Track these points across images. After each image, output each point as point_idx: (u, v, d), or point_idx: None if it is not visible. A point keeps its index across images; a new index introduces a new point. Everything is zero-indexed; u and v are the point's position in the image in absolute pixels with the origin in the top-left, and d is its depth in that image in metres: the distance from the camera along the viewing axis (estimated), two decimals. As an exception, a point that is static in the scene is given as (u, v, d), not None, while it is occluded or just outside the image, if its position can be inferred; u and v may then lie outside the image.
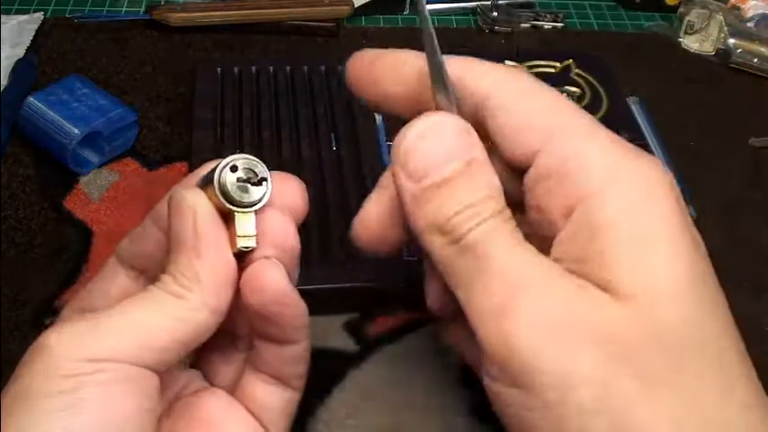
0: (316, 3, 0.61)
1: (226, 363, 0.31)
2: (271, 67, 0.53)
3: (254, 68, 0.53)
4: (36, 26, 0.59)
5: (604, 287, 0.23)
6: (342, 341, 0.41)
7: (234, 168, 0.26)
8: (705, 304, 0.24)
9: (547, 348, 0.22)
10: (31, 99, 0.48)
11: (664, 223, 0.24)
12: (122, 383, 0.24)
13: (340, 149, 0.48)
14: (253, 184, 0.26)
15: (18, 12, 0.61)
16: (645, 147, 0.49)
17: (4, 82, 0.52)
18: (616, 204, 0.24)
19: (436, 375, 0.40)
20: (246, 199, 0.26)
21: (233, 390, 0.30)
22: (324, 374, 0.40)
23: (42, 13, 0.61)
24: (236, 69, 0.53)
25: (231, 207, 0.26)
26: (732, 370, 0.24)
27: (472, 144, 0.26)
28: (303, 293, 0.41)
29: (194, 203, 0.26)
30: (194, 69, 0.53)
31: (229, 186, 0.26)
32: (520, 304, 0.23)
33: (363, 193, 0.45)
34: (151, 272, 0.30)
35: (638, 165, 0.25)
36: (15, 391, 0.24)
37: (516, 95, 0.27)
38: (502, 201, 0.25)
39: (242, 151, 0.43)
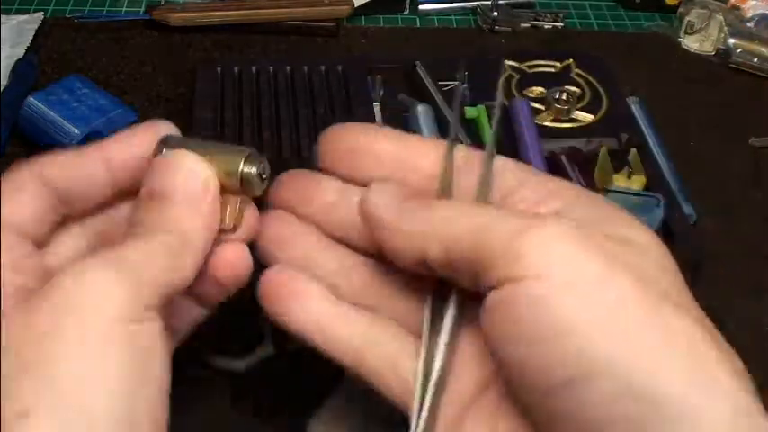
0: (316, 3, 0.61)
1: None
2: (271, 67, 0.53)
3: (254, 68, 0.53)
4: (36, 26, 0.59)
5: None
6: (342, 341, 0.41)
7: (254, 163, 0.29)
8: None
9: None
10: (31, 99, 0.48)
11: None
12: (158, 330, 0.25)
13: (340, 149, 0.48)
14: (262, 179, 0.30)
15: (18, 12, 0.61)
16: (645, 147, 0.50)
17: (4, 82, 0.52)
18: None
19: (436, 375, 0.40)
20: (257, 192, 0.29)
21: None
22: (324, 374, 0.40)
23: (42, 13, 0.61)
24: (236, 69, 0.53)
25: (242, 194, 0.29)
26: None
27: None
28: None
29: (207, 175, 0.28)
30: (194, 69, 0.53)
31: (252, 179, 0.29)
32: (540, 224, 0.24)
33: (363, 193, 0.45)
34: (77, 205, 0.29)
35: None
36: (70, 334, 0.23)
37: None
38: None
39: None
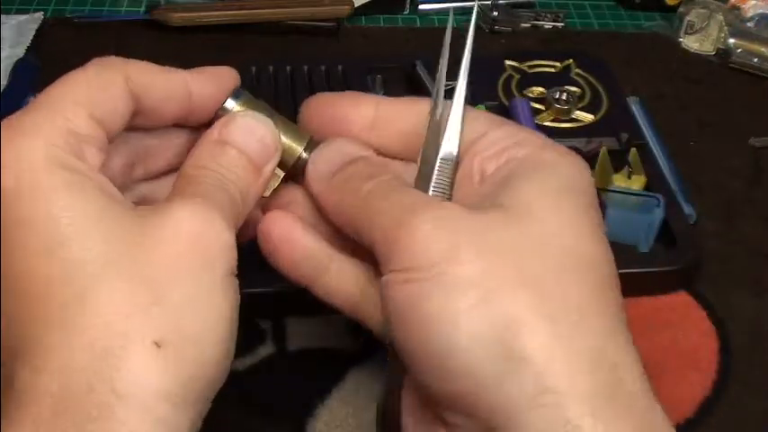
0: (316, 3, 0.61)
1: None
2: (271, 67, 0.53)
3: (254, 68, 0.53)
4: (36, 26, 0.59)
5: (487, 204, 0.27)
6: (342, 341, 0.41)
7: (311, 149, 0.31)
8: (580, 228, 0.26)
9: (432, 234, 0.25)
10: (31, 99, 0.48)
11: (561, 184, 0.27)
12: None
13: (340, 149, 0.48)
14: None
15: (18, 12, 0.61)
16: (645, 147, 0.50)
17: (4, 82, 0.52)
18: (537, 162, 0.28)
19: (436, 375, 0.40)
20: (300, 175, 0.31)
21: None
22: (324, 374, 0.40)
23: (42, 13, 0.61)
24: (236, 69, 0.52)
25: (287, 171, 0.31)
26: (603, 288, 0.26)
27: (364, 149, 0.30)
28: (304, 293, 0.41)
29: (278, 148, 0.30)
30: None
31: (305, 165, 0.31)
32: (410, 216, 0.26)
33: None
34: (145, 120, 0.29)
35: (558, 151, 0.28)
36: (196, 266, 0.25)
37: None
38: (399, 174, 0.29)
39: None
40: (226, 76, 0.31)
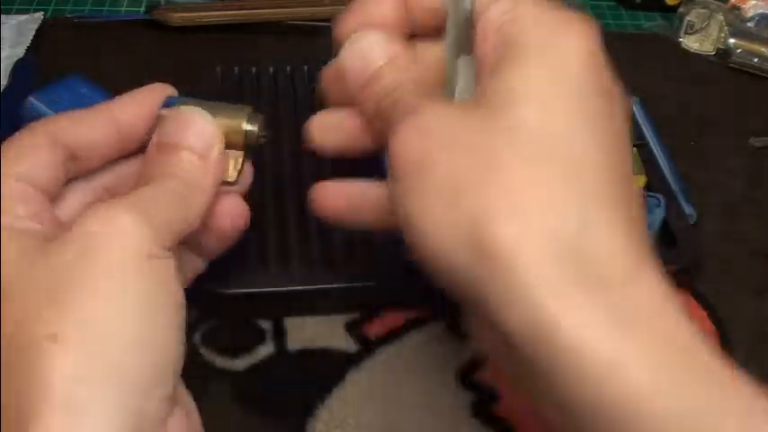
0: (316, 3, 0.61)
1: None
2: (271, 68, 0.53)
3: (254, 68, 0.53)
4: (36, 26, 0.59)
5: (477, 97, 0.28)
6: (342, 341, 0.41)
7: (255, 121, 0.32)
8: (571, 118, 0.26)
9: (411, 143, 0.27)
10: (31, 99, 0.48)
11: (569, 53, 0.27)
12: (176, 269, 0.27)
13: (340, 149, 0.48)
14: (261, 136, 0.33)
15: (18, 12, 0.61)
16: (645, 147, 0.50)
17: (4, 82, 0.52)
18: (529, 39, 0.27)
19: (436, 375, 0.40)
20: (256, 147, 0.33)
21: None
22: (324, 374, 0.40)
23: (42, 13, 0.61)
24: (236, 69, 0.53)
25: (242, 149, 0.32)
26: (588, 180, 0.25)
27: (388, 45, 0.31)
28: (304, 293, 0.41)
29: (215, 130, 0.31)
30: (194, 69, 0.53)
31: (253, 135, 0.32)
32: (403, 123, 0.27)
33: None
34: (87, 162, 0.32)
35: (564, 14, 0.28)
36: (91, 269, 0.25)
37: None
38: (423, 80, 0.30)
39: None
40: (149, 94, 0.32)
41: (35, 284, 0.25)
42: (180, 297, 0.27)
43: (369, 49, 0.31)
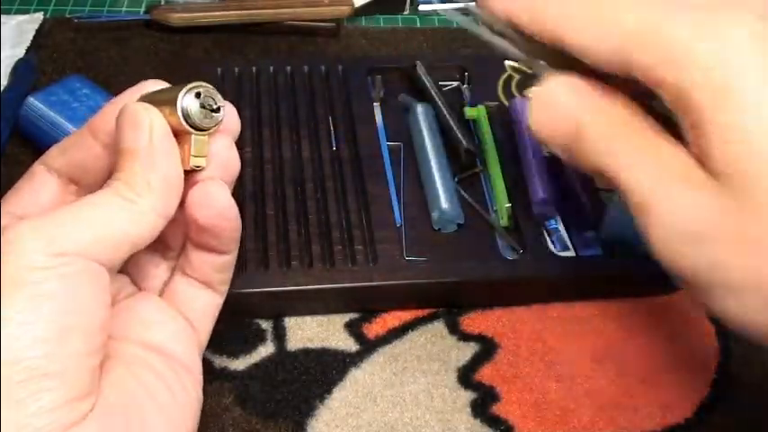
0: (316, 3, 0.61)
1: (155, 268, 0.34)
2: (271, 67, 0.53)
3: (254, 68, 0.53)
4: (36, 26, 0.59)
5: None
6: (342, 341, 0.41)
7: (198, 95, 0.29)
8: None
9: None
10: (31, 99, 0.48)
11: None
12: (84, 277, 0.26)
13: (340, 149, 0.48)
14: (211, 110, 0.29)
15: (18, 12, 0.61)
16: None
17: (4, 82, 0.52)
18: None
19: (436, 375, 0.40)
20: (206, 124, 0.29)
21: (161, 294, 0.33)
22: (324, 374, 0.40)
23: (42, 13, 0.61)
24: (236, 69, 0.53)
25: (190, 129, 0.29)
26: None
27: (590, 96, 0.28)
28: (304, 293, 0.41)
29: (151, 118, 0.29)
30: (194, 69, 0.53)
31: (193, 111, 0.29)
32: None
33: (363, 192, 0.45)
34: (83, 181, 0.32)
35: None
36: None
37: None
38: (631, 121, 0.27)
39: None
40: (124, 97, 0.32)
41: None
42: (90, 308, 0.26)
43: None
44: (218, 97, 0.30)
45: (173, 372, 0.31)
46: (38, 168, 0.32)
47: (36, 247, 0.26)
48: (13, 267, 0.25)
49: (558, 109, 0.28)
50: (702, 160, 0.25)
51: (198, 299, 0.33)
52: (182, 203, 0.30)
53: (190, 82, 0.29)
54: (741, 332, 0.25)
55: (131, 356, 0.30)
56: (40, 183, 0.32)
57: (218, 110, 0.29)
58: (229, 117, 0.31)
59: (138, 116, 0.29)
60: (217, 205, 0.30)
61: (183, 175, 0.29)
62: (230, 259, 0.33)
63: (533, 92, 0.29)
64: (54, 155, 0.32)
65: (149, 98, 0.30)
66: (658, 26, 0.25)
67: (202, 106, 0.29)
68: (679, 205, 0.25)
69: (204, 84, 0.29)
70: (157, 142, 0.29)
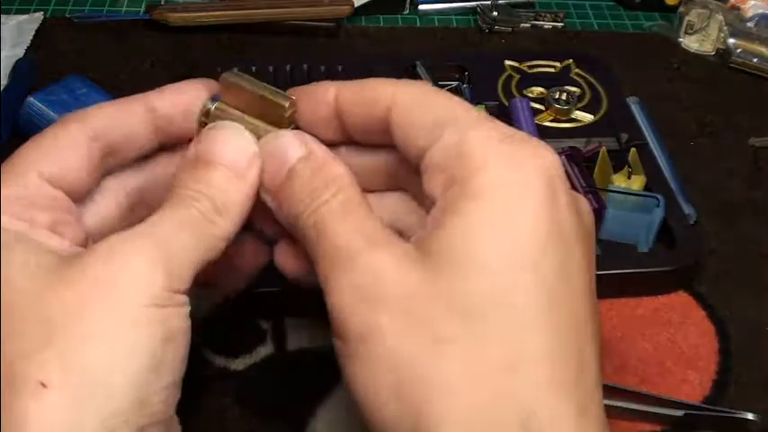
0: (316, 3, 0.61)
1: None
2: (271, 67, 0.53)
3: (254, 68, 0.53)
4: (36, 26, 0.59)
5: (422, 248, 0.25)
6: (342, 341, 0.41)
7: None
8: (525, 287, 0.24)
9: (354, 308, 0.25)
10: (31, 99, 0.48)
11: (520, 204, 0.25)
12: (187, 316, 0.26)
13: (340, 149, 0.48)
14: None
15: (18, 12, 0.61)
16: (645, 147, 0.50)
17: (4, 82, 0.52)
18: (480, 182, 0.25)
19: (436, 375, 0.40)
20: None
21: None
22: (324, 374, 0.40)
23: (42, 13, 0.61)
24: (235, 70, 0.52)
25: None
26: (527, 347, 0.24)
27: (304, 143, 0.29)
28: (304, 293, 0.41)
29: (253, 154, 0.29)
30: (194, 69, 0.53)
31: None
32: (336, 274, 0.26)
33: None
34: (122, 156, 0.30)
35: (516, 149, 0.26)
36: (99, 315, 0.24)
37: (414, 98, 0.28)
38: (341, 183, 0.28)
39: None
40: (189, 86, 0.31)
41: (38, 318, 0.24)
42: (183, 351, 0.26)
43: (284, 146, 0.29)
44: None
45: None
46: (78, 132, 0.29)
47: (162, 284, 0.25)
48: (137, 303, 0.24)
49: (281, 149, 0.29)
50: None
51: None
52: None
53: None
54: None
55: None
56: (83, 152, 0.28)
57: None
58: None
59: (246, 144, 0.29)
60: (264, 257, 0.32)
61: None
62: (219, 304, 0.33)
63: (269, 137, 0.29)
64: (101, 118, 0.29)
65: (238, 93, 0.30)
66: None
67: None
68: (366, 265, 0.25)
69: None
70: (254, 175, 0.28)
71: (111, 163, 0.30)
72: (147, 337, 0.24)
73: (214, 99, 0.30)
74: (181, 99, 0.30)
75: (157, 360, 0.24)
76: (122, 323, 0.24)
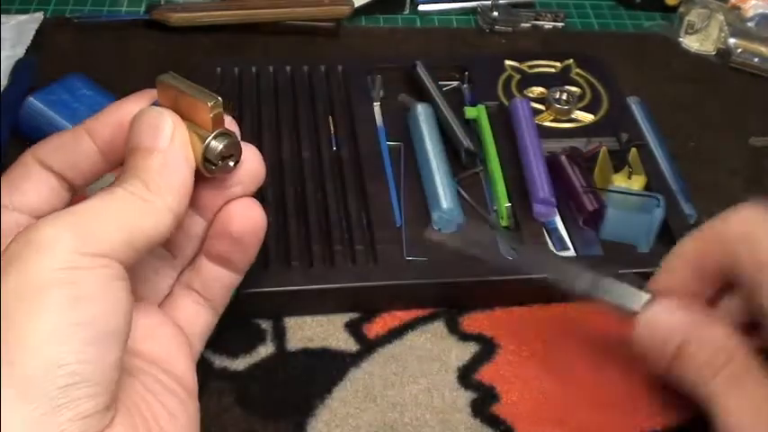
0: (316, 3, 0.61)
1: (157, 277, 0.34)
2: (271, 67, 0.53)
3: (254, 68, 0.53)
4: (36, 26, 0.59)
5: None
6: (342, 341, 0.41)
7: (222, 137, 0.31)
8: None
9: None
10: (31, 99, 0.48)
11: None
12: (116, 280, 0.26)
13: (340, 149, 0.48)
14: (231, 159, 0.32)
15: (18, 12, 0.61)
16: (645, 147, 0.50)
17: (4, 82, 0.52)
18: None
19: (436, 375, 0.40)
20: (218, 171, 0.31)
21: (160, 305, 0.34)
22: (324, 374, 0.40)
23: (42, 13, 0.61)
24: (236, 69, 0.53)
25: (204, 168, 0.31)
26: None
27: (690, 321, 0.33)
28: (304, 293, 0.41)
29: (174, 122, 0.30)
30: (194, 69, 0.53)
31: (213, 157, 0.31)
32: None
33: (364, 192, 0.45)
34: (77, 180, 0.32)
35: None
36: (10, 286, 0.25)
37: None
38: (729, 349, 0.32)
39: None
40: (125, 105, 0.32)
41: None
42: (116, 311, 0.26)
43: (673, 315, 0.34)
44: (239, 151, 0.32)
45: (171, 388, 0.31)
46: (31, 162, 0.32)
47: (71, 247, 0.25)
48: (45, 267, 0.25)
49: (660, 331, 0.33)
50: None
51: (200, 316, 0.34)
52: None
53: (202, 86, 0.30)
54: None
55: (131, 366, 0.30)
56: (37, 178, 0.31)
57: (234, 162, 0.32)
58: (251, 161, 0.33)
59: (162, 118, 0.30)
60: (256, 219, 0.33)
61: (193, 179, 0.30)
62: (237, 280, 0.35)
63: (639, 317, 0.34)
64: (49, 151, 0.32)
65: (172, 95, 0.31)
66: None
67: (223, 154, 0.31)
68: None
69: (232, 133, 0.31)
70: (179, 145, 0.29)
71: (72, 185, 0.32)
72: (56, 298, 0.24)
73: (154, 105, 0.31)
74: (112, 118, 0.31)
75: (68, 318, 0.24)
76: (30, 289, 0.24)
